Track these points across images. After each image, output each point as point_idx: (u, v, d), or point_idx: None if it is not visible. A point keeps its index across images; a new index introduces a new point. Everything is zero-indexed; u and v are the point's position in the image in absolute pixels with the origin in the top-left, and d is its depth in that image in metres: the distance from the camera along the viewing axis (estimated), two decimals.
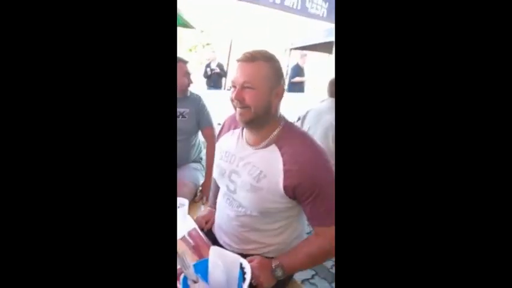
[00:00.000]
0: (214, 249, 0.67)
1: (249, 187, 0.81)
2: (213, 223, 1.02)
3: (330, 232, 0.77)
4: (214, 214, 1.02)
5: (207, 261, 0.68)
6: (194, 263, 0.69)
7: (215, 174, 0.95)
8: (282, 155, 0.78)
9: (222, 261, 0.65)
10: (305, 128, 2.11)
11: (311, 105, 2.17)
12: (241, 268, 0.68)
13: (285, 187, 0.76)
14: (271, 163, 0.79)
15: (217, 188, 1.02)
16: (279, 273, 0.78)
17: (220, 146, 0.96)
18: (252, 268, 0.72)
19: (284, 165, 0.77)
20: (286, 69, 5.58)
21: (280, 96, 0.81)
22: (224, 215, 0.92)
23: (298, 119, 2.72)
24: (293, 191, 0.76)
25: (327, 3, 2.78)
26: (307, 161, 0.76)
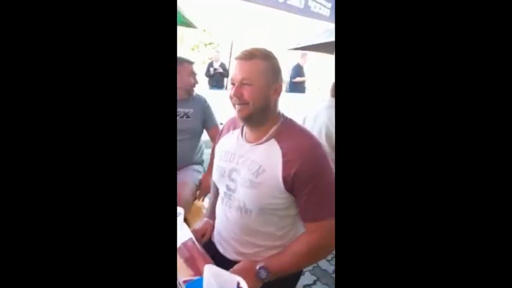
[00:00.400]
0: (208, 268, 0.63)
1: (249, 183, 0.79)
2: (210, 235, 0.99)
3: (323, 227, 0.76)
4: (212, 225, 0.99)
5: (201, 280, 0.64)
6: (187, 283, 0.65)
7: (215, 176, 0.93)
8: (282, 148, 0.78)
9: (217, 281, 0.61)
10: None
11: (311, 108, 2.21)
12: None
13: (284, 178, 0.75)
14: (270, 156, 0.78)
15: (215, 197, 0.99)
16: (263, 275, 0.76)
17: (220, 147, 0.95)
18: (235, 272, 0.70)
19: (283, 156, 0.77)
20: (288, 70, 5.56)
21: (278, 92, 0.82)
22: (223, 220, 0.90)
23: None
24: (292, 182, 0.75)
25: (331, 3, 2.75)
26: (307, 152, 0.76)
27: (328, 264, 1.75)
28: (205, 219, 1.03)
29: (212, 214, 1.01)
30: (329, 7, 2.71)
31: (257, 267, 0.77)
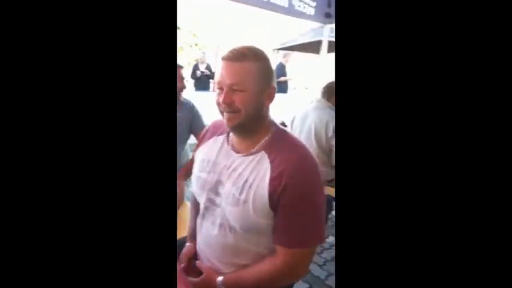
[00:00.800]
0: None
1: (232, 199, 0.71)
2: (191, 257, 0.88)
3: (292, 254, 0.69)
4: (195, 249, 0.88)
5: None
6: None
7: (195, 188, 0.84)
8: (271, 162, 0.70)
9: None
10: (294, 132, 2.14)
11: (299, 108, 2.21)
12: None
13: (270, 195, 0.68)
14: (258, 171, 0.70)
15: (196, 213, 0.89)
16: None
17: (200, 155, 0.85)
18: (196, 284, 0.70)
19: (272, 171, 0.69)
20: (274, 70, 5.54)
21: (272, 97, 0.74)
22: (205, 237, 0.81)
23: (282, 123, 2.76)
24: (277, 199, 0.68)
25: (315, 2, 2.72)
26: (298, 169, 0.68)
27: (320, 270, 1.70)
28: (188, 244, 0.91)
29: (194, 234, 0.90)
30: (314, 6, 2.69)
31: (218, 281, 0.74)
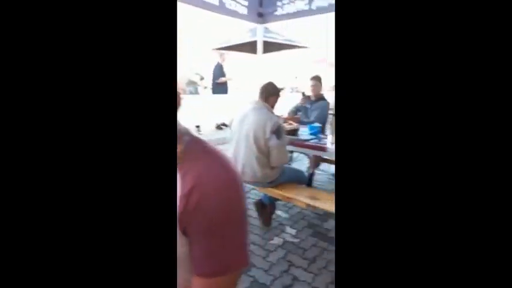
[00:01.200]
0: None
1: None
2: None
3: (210, 285, 0.58)
4: None
5: None
6: None
7: None
8: (182, 178, 0.58)
9: None
10: (233, 134, 2.09)
11: (237, 110, 2.19)
12: None
13: (179, 216, 0.56)
14: None
15: None
16: None
17: None
18: None
19: (182, 189, 0.57)
20: (210, 70, 5.52)
21: (180, 103, 0.61)
22: None
23: (223, 124, 2.69)
24: (189, 221, 0.57)
25: (247, 1, 2.69)
26: (213, 183, 0.58)
27: (266, 276, 1.66)
28: None
29: None
30: (246, 5, 2.65)
31: None
